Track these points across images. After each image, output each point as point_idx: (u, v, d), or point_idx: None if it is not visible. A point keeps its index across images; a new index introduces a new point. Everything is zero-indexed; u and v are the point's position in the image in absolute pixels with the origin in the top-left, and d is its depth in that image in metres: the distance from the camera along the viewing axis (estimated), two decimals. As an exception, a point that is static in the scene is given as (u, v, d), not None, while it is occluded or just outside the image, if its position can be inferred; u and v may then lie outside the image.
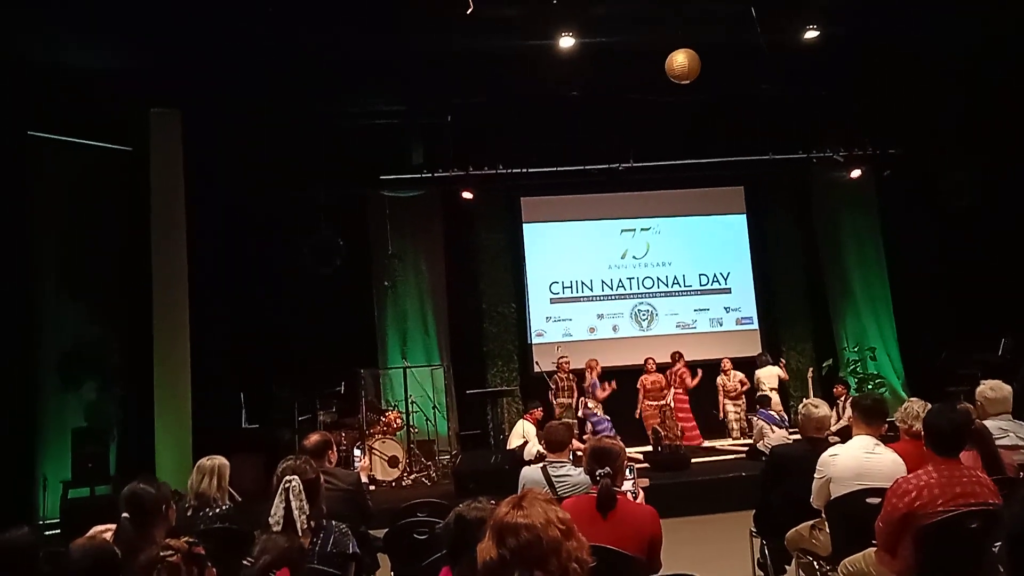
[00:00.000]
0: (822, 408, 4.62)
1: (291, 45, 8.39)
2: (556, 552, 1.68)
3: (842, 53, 9.28)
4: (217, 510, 4.12)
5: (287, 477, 3.04)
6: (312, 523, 3.04)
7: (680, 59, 7.13)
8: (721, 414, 11.09)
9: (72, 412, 8.76)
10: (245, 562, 2.41)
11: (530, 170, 11.22)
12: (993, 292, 10.82)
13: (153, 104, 9.43)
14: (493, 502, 2.49)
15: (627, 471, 3.47)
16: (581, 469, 4.48)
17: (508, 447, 9.58)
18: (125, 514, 3.10)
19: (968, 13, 8.46)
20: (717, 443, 10.76)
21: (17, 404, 8.12)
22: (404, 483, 9.30)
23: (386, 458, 9.29)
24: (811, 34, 8.72)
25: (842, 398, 10.25)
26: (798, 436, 9.39)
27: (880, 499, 3.75)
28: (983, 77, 9.99)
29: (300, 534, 2.91)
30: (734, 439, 10.84)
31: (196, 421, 9.27)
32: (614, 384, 10.52)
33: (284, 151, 10.08)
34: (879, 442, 4.09)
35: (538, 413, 9.88)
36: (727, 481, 8.19)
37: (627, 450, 4.53)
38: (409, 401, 10.15)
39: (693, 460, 9.08)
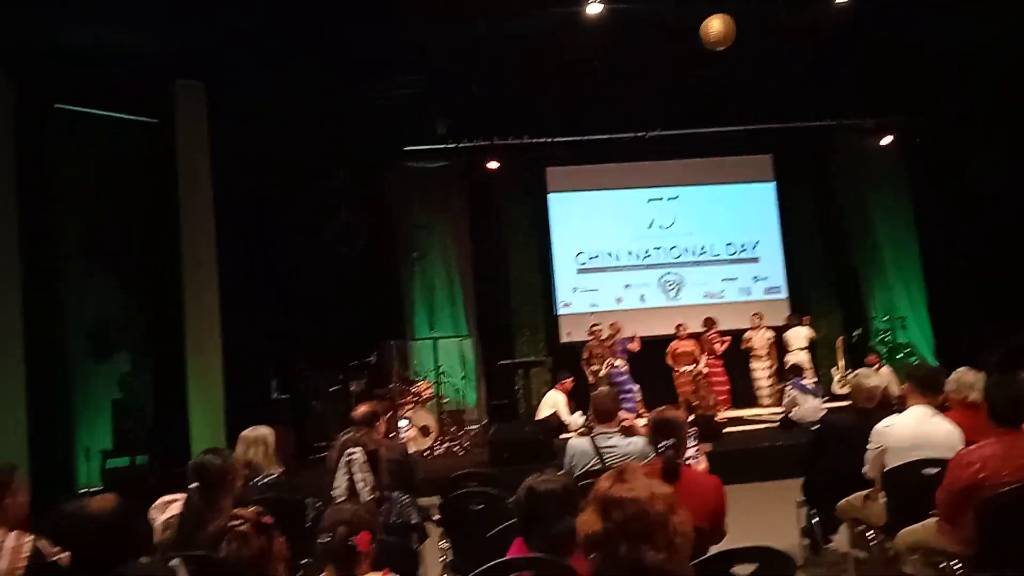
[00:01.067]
0: (873, 378, 4.58)
1: (316, 20, 8.28)
2: (663, 526, 1.66)
3: (873, 15, 9.06)
4: (267, 479, 4.13)
5: (349, 449, 3.03)
6: (376, 494, 3.04)
7: (716, 25, 6.99)
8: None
9: (105, 384, 8.82)
10: (321, 539, 2.40)
11: (555, 140, 11.13)
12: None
13: (178, 76, 9.38)
14: (561, 473, 2.47)
15: (689, 439, 3.44)
16: (631, 439, 4.48)
17: (537, 417, 9.60)
18: (193, 484, 3.10)
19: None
20: (744, 412, 10.73)
21: (52, 376, 8.20)
22: (436, 452, 9.34)
23: (418, 428, 9.33)
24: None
25: (876, 367, 10.15)
26: (831, 404, 9.54)
27: (937, 469, 3.72)
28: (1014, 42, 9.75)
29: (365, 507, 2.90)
30: (761, 407, 10.81)
31: (228, 392, 9.34)
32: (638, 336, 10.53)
33: (308, 124, 10.01)
34: (936, 412, 4.04)
35: (568, 383, 9.90)
36: (762, 451, 8.17)
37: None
38: (439, 371, 10.15)
39: (724, 431, 9.05)
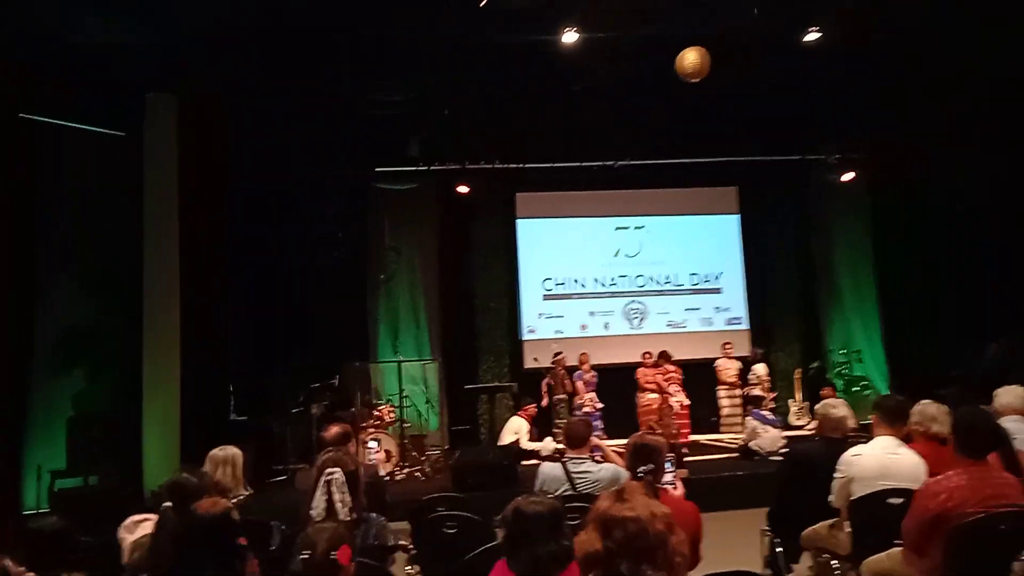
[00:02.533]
0: (840, 408, 4.66)
1: (290, 33, 8.26)
2: (663, 545, 1.67)
3: (841, 56, 9.33)
4: (235, 500, 4.04)
5: (329, 469, 2.99)
6: (354, 515, 3.00)
7: (691, 57, 7.13)
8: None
9: (63, 400, 8.59)
10: (301, 556, 2.36)
11: (526, 166, 11.21)
12: (980, 297, 11.04)
13: (149, 88, 9.28)
14: (551, 496, 2.47)
15: (667, 464, 3.46)
16: (602, 465, 4.50)
17: (500, 443, 9.57)
18: (167, 503, 3.02)
19: (966, 22, 8.56)
20: (705, 437, 10.80)
21: (6, 392, 7.96)
22: (397, 477, 9.23)
23: (379, 452, 9.21)
24: (812, 36, 8.79)
25: (831, 399, 10.31)
26: (789, 435, 9.68)
27: (902, 499, 3.79)
28: (977, 86, 10.12)
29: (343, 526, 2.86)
30: (723, 435, 10.90)
31: (184, 412, 9.15)
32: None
33: (281, 140, 9.96)
34: (901, 443, 4.12)
35: (532, 409, 9.91)
36: (723, 480, 8.22)
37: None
38: (402, 395, 10.06)
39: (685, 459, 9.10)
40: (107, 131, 9.30)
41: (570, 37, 8.44)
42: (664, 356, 10.71)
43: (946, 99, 10.29)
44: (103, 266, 9.16)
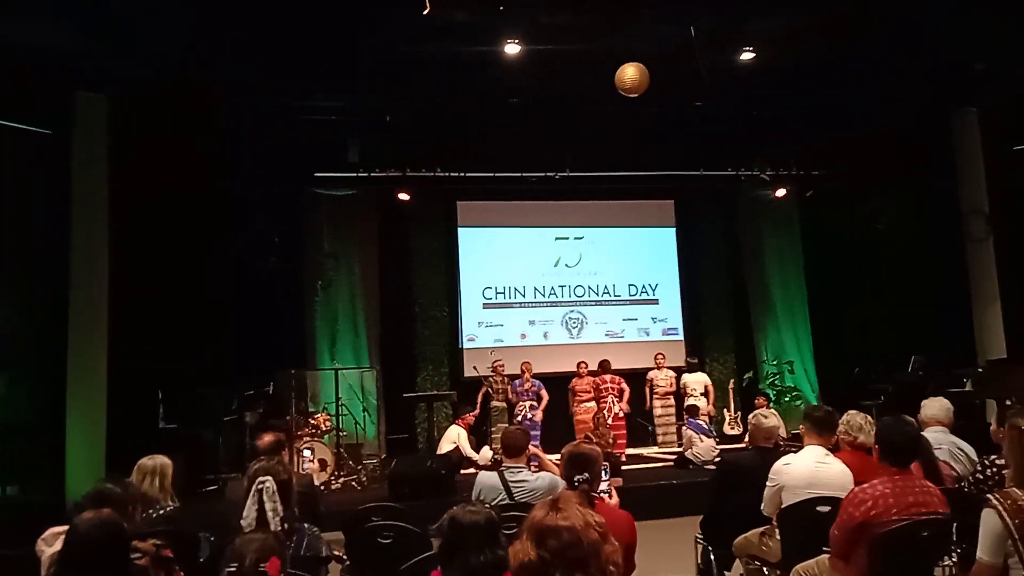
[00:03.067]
0: (771, 418, 4.76)
1: (229, 35, 8.11)
2: (596, 554, 1.67)
3: (775, 76, 9.61)
4: (162, 511, 3.93)
5: (261, 478, 2.92)
6: (285, 525, 2.94)
7: (630, 72, 7.25)
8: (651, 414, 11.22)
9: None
10: (229, 568, 2.29)
11: (468, 174, 11.20)
12: (905, 311, 11.47)
13: (78, 87, 9.00)
14: (488, 506, 2.46)
15: (602, 473, 3.48)
16: (539, 474, 4.51)
17: (439, 452, 9.50)
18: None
19: (895, 45, 8.91)
20: (643, 450, 10.94)
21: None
22: (333, 487, 9.09)
23: (314, 461, 9.05)
24: (746, 56, 9.03)
25: (763, 409, 10.54)
26: (724, 446, 9.86)
27: (830, 507, 3.89)
28: (903, 107, 10.54)
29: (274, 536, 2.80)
30: (659, 445, 11.04)
31: (110, 420, 8.87)
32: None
33: (217, 142, 9.76)
34: (829, 452, 4.23)
35: (470, 418, 9.86)
36: (658, 488, 8.33)
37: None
38: (339, 403, 9.92)
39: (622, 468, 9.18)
40: (32, 128, 8.97)
41: (512, 49, 8.49)
42: (603, 366, 10.80)
43: (872, 120, 10.69)
44: (25, 268, 8.82)
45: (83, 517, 2.48)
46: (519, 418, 10.17)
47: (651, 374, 11.33)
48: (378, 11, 7.83)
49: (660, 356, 11.46)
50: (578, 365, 10.93)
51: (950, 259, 11.02)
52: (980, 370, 9.44)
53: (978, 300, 10.80)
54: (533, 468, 4.71)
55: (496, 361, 10.78)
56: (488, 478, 4.46)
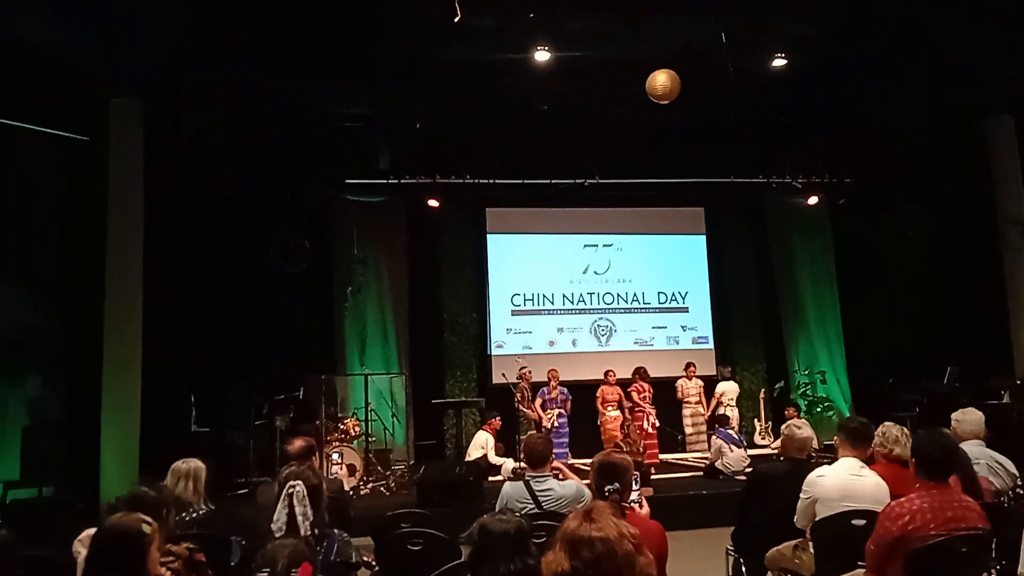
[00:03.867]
0: (805, 429, 4.69)
1: (263, 42, 8.20)
2: (631, 566, 1.66)
3: (807, 82, 9.51)
4: (195, 515, 3.96)
5: (291, 482, 2.93)
6: (315, 530, 2.94)
7: (662, 79, 7.21)
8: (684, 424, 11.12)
9: (16, 408, 8.37)
10: (261, 574, 2.30)
11: (497, 181, 11.21)
12: (940, 321, 11.27)
13: (114, 94, 9.16)
14: (518, 515, 2.45)
15: (632, 482, 3.44)
16: (566, 482, 4.48)
17: (467, 458, 9.50)
18: None
19: (928, 51, 8.78)
20: (671, 456, 10.84)
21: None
22: (362, 492, 9.12)
23: (343, 466, 9.10)
24: (779, 62, 8.95)
25: (796, 419, 10.41)
26: (754, 454, 9.75)
27: (865, 521, 3.82)
28: (936, 114, 10.39)
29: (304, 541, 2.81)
30: (690, 453, 10.94)
31: (144, 423, 8.98)
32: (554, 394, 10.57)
33: (249, 148, 9.85)
34: (864, 464, 4.15)
35: (496, 423, 9.87)
36: (688, 499, 8.23)
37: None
38: (368, 409, 9.96)
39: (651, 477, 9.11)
40: (70, 135, 9.14)
41: (542, 56, 8.48)
42: (640, 373, 10.73)
43: (905, 127, 10.55)
44: (61, 271, 8.98)
45: (108, 522, 2.50)
46: (548, 427, 10.12)
47: (680, 382, 11.23)
48: (409, 18, 7.87)
49: (692, 366, 11.35)
50: (606, 373, 10.88)
51: (987, 269, 10.81)
52: (1019, 382, 9.25)
53: (1016, 310, 10.58)
54: (560, 477, 4.68)
55: (523, 368, 10.76)
56: (513, 488, 4.42)
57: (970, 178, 10.88)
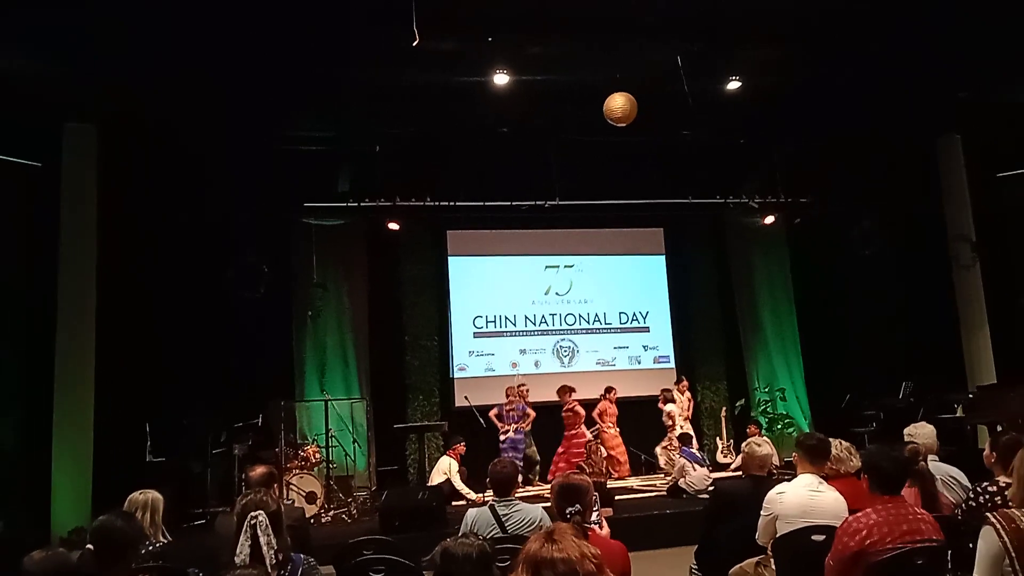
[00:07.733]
0: (765, 447, 4.74)
1: (220, 66, 8.14)
2: (593, 588, 1.66)
3: (762, 104, 9.72)
4: (151, 547, 3.87)
5: (252, 512, 2.88)
6: (280, 556, 2.89)
7: (619, 101, 7.31)
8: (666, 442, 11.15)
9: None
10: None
11: (457, 203, 11.21)
12: (895, 337, 11.50)
13: (68, 118, 9.02)
14: (482, 539, 2.44)
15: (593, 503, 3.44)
16: (531, 505, 4.46)
17: (430, 483, 9.42)
18: (89, 546, 2.84)
19: (881, 73, 9.03)
20: (633, 481, 10.86)
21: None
22: (323, 519, 8.98)
23: (303, 494, 8.97)
24: (733, 85, 9.15)
25: (756, 437, 10.52)
26: (716, 474, 9.81)
27: (824, 536, 3.87)
28: (889, 134, 10.67)
29: (269, 569, 2.76)
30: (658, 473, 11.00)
31: (97, 453, 8.77)
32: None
33: (206, 172, 9.75)
34: (823, 480, 4.21)
35: (461, 448, 9.80)
36: (651, 519, 8.25)
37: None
38: (328, 435, 9.83)
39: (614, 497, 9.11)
40: (20, 160, 8.96)
41: (501, 79, 8.56)
42: (610, 394, 10.86)
43: (860, 147, 10.81)
44: (12, 299, 8.77)
45: (32, 557, 2.42)
46: (504, 441, 10.20)
47: (668, 406, 11.25)
48: (367, 42, 7.89)
49: (667, 391, 11.44)
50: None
51: (939, 285, 11.07)
52: (971, 396, 9.45)
53: (966, 325, 10.84)
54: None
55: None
56: (479, 511, 4.40)
57: (922, 196, 11.16)
